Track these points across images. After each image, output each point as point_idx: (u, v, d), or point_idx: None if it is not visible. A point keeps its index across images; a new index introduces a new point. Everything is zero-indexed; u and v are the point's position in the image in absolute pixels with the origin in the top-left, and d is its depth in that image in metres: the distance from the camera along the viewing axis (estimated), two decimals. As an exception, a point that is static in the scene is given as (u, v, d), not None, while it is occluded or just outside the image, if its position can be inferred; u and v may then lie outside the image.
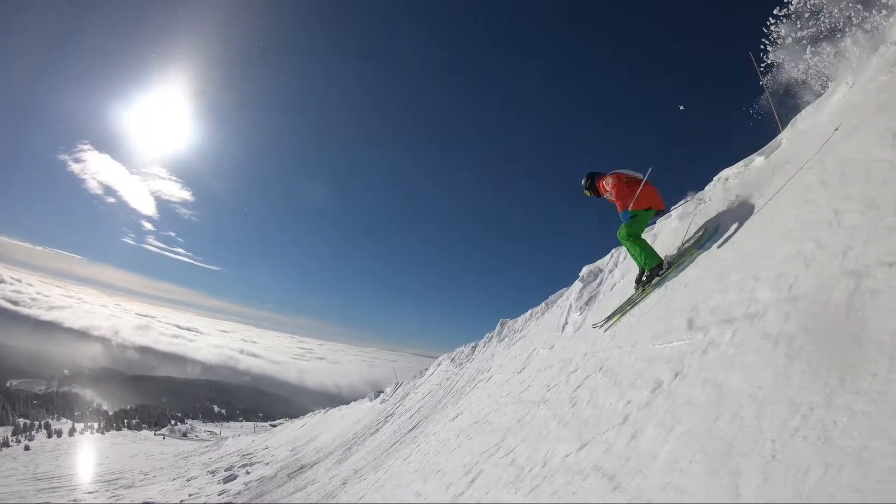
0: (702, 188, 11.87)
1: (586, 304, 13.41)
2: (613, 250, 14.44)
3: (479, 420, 12.76)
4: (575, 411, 7.41)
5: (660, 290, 8.74)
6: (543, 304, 18.30)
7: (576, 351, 10.88)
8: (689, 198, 11.99)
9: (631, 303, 9.42)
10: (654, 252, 9.22)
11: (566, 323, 13.77)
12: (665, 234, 11.69)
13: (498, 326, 21.84)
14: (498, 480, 7.21)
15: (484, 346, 22.53)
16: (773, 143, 10.26)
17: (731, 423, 4.07)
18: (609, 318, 9.98)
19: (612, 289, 12.55)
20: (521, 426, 9.00)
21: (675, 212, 11.85)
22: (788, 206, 6.80)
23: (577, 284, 14.80)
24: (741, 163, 10.84)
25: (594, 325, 10.44)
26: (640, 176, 9.15)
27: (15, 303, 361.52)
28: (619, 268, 13.10)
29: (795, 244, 5.69)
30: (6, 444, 61.29)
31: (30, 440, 67.06)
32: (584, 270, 15.02)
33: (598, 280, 14.08)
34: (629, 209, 8.88)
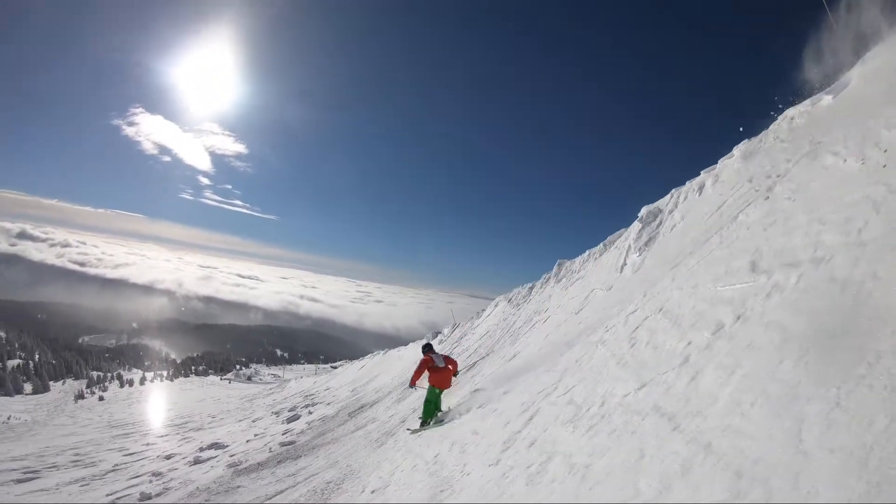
0: (766, 127, 11.48)
1: (645, 244, 13.23)
2: (673, 190, 14.06)
3: (537, 360, 12.89)
4: (634, 352, 7.45)
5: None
6: (601, 244, 18.09)
7: (634, 292, 10.84)
8: (751, 137, 11.62)
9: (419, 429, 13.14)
10: (429, 413, 13.33)
11: (624, 264, 13.68)
12: (726, 174, 11.39)
13: (556, 267, 21.80)
14: (556, 419, 7.33)
15: (541, 287, 22.54)
16: (841, 81, 9.81)
17: (794, 367, 4.07)
18: (418, 429, 13.01)
19: (671, 230, 12.30)
20: (578, 366, 9.07)
21: (738, 151, 11.51)
22: (857, 148, 6.58)
23: (636, 225, 14.57)
24: (808, 101, 10.39)
25: (409, 430, 13.72)
26: (441, 365, 13.42)
27: (82, 264, 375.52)
28: (679, 209, 12.78)
29: (864, 188, 5.53)
30: (82, 395, 63.60)
31: (103, 391, 69.12)
32: (644, 211, 14.74)
33: (657, 221, 13.81)
34: (410, 385, 13.52)
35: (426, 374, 13.34)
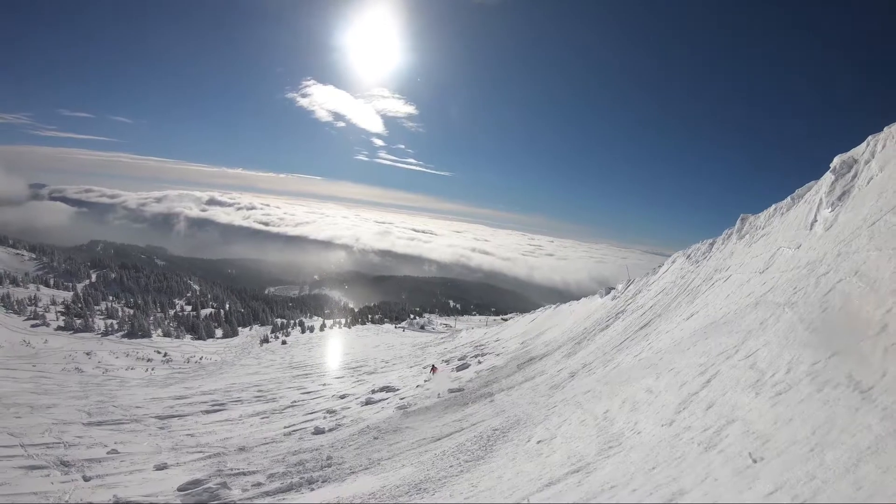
0: None
1: (839, 199, 12.15)
2: (870, 138, 12.62)
3: (717, 320, 12.48)
4: (825, 317, 7.04)
5: None
6: (789, 198, 16.81)
7: (826, 251, 10.13)
8: None
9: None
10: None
11: (815, 220, 12.71)
12: None
13: (738, 222, 20.60)
14: (736, 383, 7.15)
15: (722, 244, 21.46)
16: None
17: None
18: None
19: (868, 183, 11.18)
20: (763, 329, 8.71)
21: None
22: None
23: (829, 177, 13.38)
24: None
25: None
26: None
27: (266, 224, 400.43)
28: (877, 158, 11.51)
29: None
30: (266, 340, 68.33)
31: (286, 336, 73.20)
32: (837, 161, 13.49)
33: (852, 172, 12.56)
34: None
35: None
